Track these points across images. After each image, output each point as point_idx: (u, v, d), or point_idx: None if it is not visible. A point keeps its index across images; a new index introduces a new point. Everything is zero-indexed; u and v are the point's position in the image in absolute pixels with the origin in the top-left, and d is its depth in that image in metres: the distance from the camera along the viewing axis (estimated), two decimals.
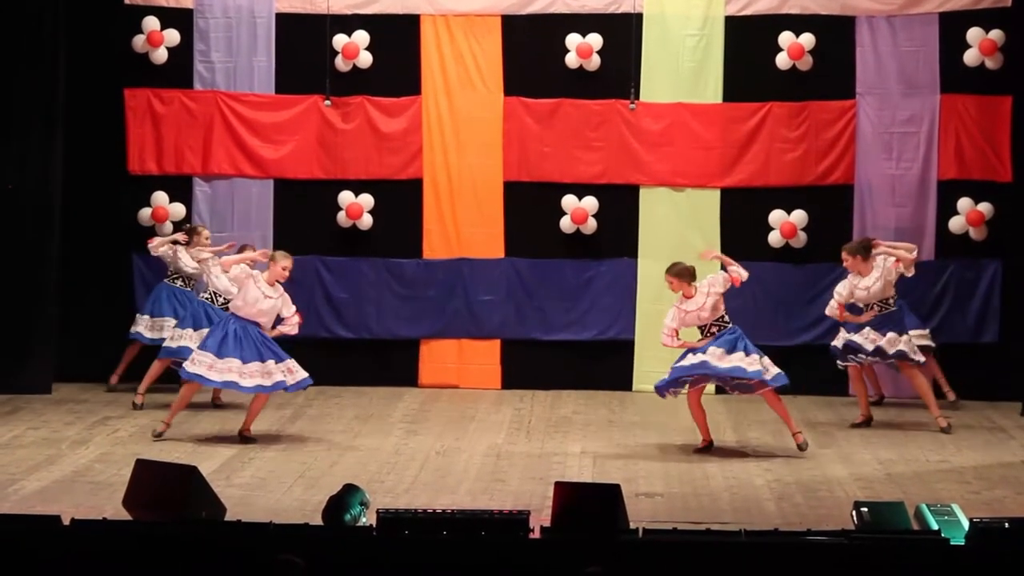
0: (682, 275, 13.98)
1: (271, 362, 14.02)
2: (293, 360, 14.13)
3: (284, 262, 14.22)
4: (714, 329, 13.92)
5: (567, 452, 14.09)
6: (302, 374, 14.16)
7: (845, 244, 15.31)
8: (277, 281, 14.20)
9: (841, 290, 15.06)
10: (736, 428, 15.11)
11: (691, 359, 13.82)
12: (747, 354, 13.75)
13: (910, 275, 15.12)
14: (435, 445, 14.31)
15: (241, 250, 15.22)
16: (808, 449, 13.88)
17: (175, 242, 15.97)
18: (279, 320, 14.33)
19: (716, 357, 13.73)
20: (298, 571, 7.94)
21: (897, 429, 15.15)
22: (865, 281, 14.98)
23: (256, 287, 14.10)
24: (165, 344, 15.64)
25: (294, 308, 14.32)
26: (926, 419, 15.45)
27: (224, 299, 15.43)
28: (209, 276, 15.57)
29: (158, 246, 15.95)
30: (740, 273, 14.01)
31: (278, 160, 17.21)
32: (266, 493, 12.39)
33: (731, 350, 13.75)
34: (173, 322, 15.81)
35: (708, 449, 14.00)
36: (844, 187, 16.89)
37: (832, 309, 15.09)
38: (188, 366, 14.08)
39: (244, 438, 14.15)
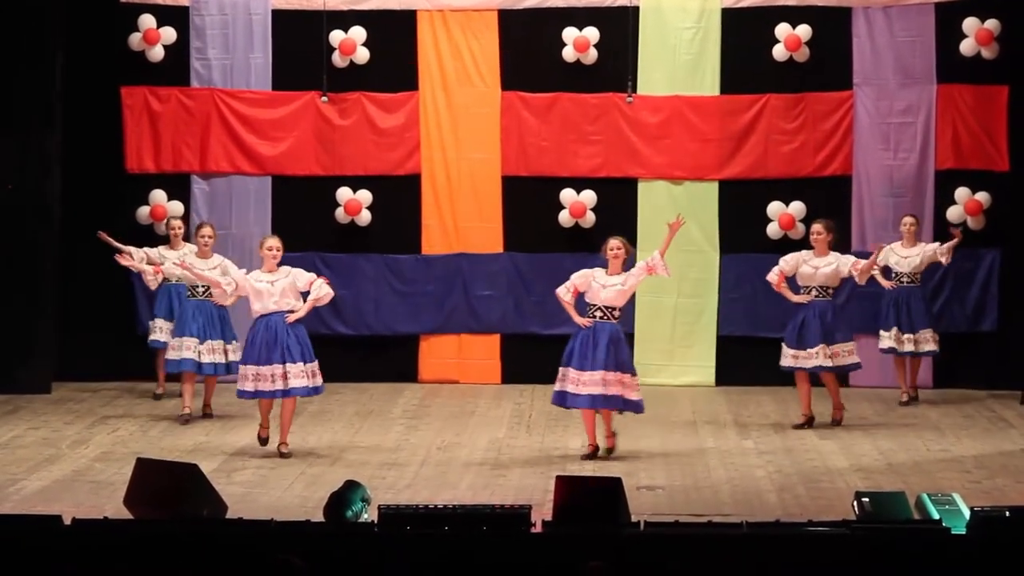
0: (629, 250, 13.72)
1: (294, 364, 13.63)
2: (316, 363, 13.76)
3: (267, 243, 13.86)
4: (598, 314, 13.56)
5: (568, 446, 14.10)
6: (319, 380, 13.78)
7: (821, 219, 15.11)
8: (274, 262, 13.73)
9: (789, 259, 14.86)
10: (736, 420, 15.11)
11: (564, 385, 13.49)
12: (621, 370, 13.52)
13: (862, 282, 15.05)
14: (436, 440, 14.32)
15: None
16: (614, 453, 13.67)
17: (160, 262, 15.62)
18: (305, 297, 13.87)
19: (582, 384, 13.45)
20: (298, 572, 7.93)
21: (897, 419, 15.15)
22: (817, 261, 14.84)
23: (257, 282, 13.74)
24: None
25: (312, 275, 13.93)
26: (927, 409, 15.51)
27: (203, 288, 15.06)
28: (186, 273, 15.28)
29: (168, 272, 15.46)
30: (657, 264, 13.60)
31: (276, 157, 17.20)
32: (267, 490, 12.40)
33: (600, 364, 13.44)
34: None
35: (593, 456, 13.60)
36: (842, 178, 16.89)
37: (773, 275, 14.83)
38: (239, 385, 13.65)
39: (281, 453, 13.63)
